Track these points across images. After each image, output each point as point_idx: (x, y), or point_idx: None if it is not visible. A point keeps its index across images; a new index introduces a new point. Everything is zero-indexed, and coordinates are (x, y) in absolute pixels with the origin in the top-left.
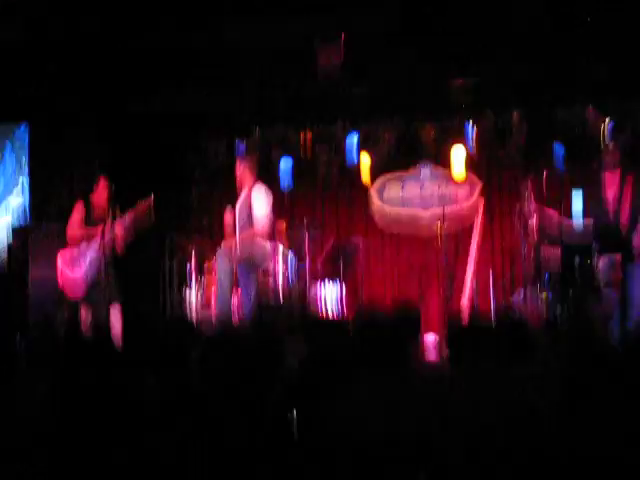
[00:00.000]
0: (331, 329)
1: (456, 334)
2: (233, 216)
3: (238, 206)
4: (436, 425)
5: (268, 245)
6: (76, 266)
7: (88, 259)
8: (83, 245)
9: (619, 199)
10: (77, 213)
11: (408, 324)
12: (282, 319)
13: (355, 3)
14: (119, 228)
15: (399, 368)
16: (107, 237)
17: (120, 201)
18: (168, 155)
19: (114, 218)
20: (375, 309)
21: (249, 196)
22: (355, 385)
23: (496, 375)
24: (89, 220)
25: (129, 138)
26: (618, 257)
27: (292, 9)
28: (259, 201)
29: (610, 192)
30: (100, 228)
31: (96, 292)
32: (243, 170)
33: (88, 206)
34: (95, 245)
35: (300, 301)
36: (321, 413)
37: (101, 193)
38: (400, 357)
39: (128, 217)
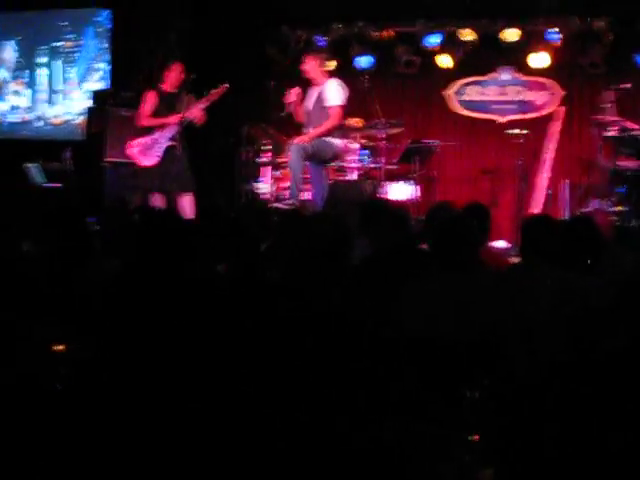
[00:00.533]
0: (402, 221)
1: (528, 224)
2: (304, 110)
3: (311, 100)
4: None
5: (339, 142)
6: (150, 155)
7: (162, 148)
8: (157, 133)
9: None
10: (148, 102)
11: (479, 223)
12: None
13: None
14: (194, 112)
15: (468, 268)
16: (181, 125)
17: (196, 90)
18: (248, 46)
19: (188, 104)
20: (448, 209)
21: (323, 91)
22: (425, 282)
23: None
24: (163, 108)
25: (210, 26)
26: None
27: None
28: (332, 92)
29: None
30: (173, 116)
31: (170, 181)
32: (312, 66)
33: (162, 94)
34: (169, 134)
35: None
36: (389, 308)
37: (175, 79)
38: (469, 257)
39: (202, 103)
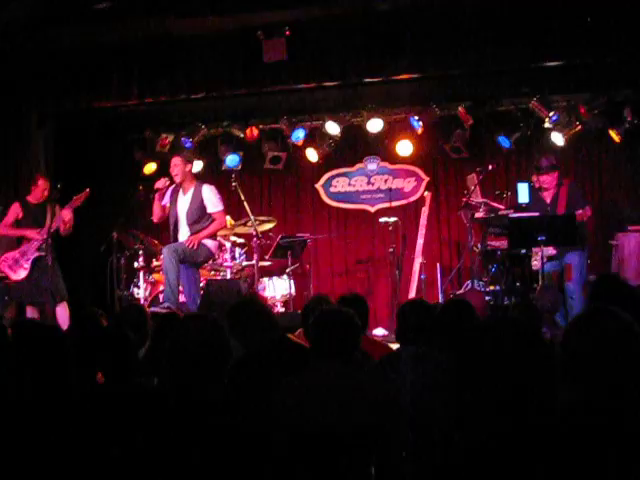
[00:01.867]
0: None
1: (403, 309)
2: (175, 214)
3: (184, 204)
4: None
5: (212, 242)
6: (18, 268)
7: (30, 260)
8: (24, 246)
9: (555, 198)
10: (11, 213)
11: (356, 312)
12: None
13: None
14: (58, 220)
15: (349, 358)
16: (48, 234)
17: (64, 198)
18: (115, 151)
19: (53, 214)
20: (324, 301)
21: (199, 197)
22: (304, 374)
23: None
24: (28, 220)
25: (75, 132)
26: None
27: (239, 5)
28: (212, 199)
29: (547, 193)
30: (33, 230)
31: (41, 292)
32: (179, 168)
33: (27, 206)
34: (35, 245)
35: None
36: (268, 399)
37: (40, 193)
38: (350, 347)
39: (66, 210)
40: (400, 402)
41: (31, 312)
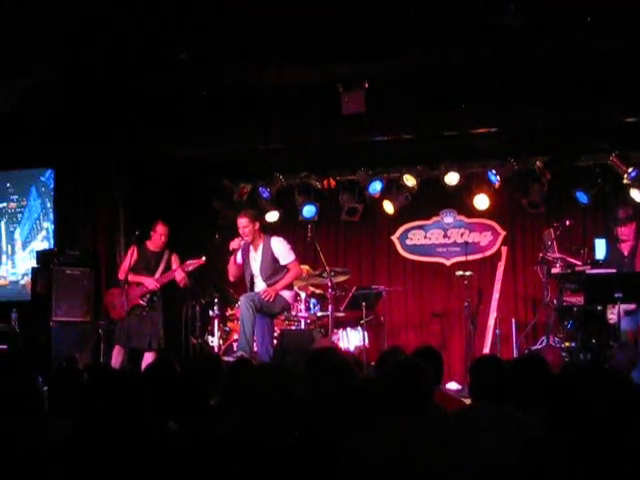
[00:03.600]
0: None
1: (476, 365)
2: (250, 271)
3: (257, 260)
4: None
5: (288, 293)
6: (121, 309)
7: (135, 303)
8: (134, 290)
9: (634, 250)
10: (128, 257)
11: (431, 366)
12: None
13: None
14: (171, 276)
15: (422, 411)
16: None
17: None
18: (193, 200)
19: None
20: (398, 353)
21: (270, 251)
22: (373, 428)
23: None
24: (142, 265)
25: (154, 184)
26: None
27: (318, 57)
28: (283, 251)
29: (625, 245)
30: (150, 279)
31: (138, 337)
32: (246, 226)
33: (143, 251)
34: (145, 290)
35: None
36: (337, 449)
37: (157, 239)
38: (423, 401)
39: (179, 271)
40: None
41: (119, 354)
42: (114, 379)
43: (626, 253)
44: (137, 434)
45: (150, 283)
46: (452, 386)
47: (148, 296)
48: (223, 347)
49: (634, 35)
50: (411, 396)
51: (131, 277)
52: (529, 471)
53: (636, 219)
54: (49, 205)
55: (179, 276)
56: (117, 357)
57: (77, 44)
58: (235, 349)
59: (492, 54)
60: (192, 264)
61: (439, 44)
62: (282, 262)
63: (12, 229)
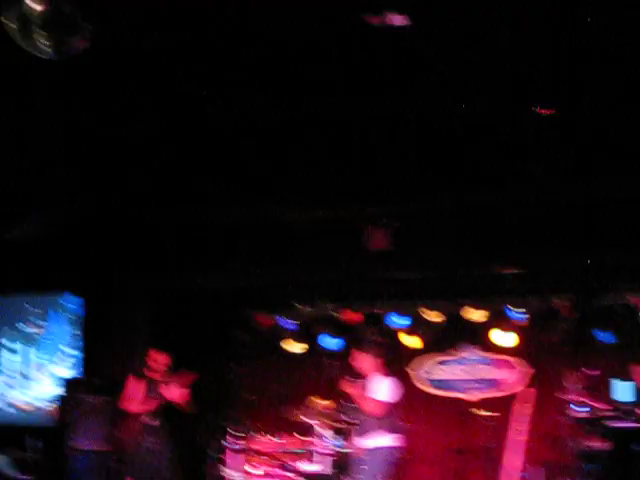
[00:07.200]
0: None
1: None
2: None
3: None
4: None
5: None
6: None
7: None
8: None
9: None
10: (131, 387)
11: None
12: None
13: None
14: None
15: None
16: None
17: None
18: (213, 329)
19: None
20: None
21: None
22: None
23: None
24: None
25: (172, 310)
26: None
27: (342, 197)
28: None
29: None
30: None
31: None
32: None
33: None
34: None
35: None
36: None
37: (156, 367)
38: None
39: (173, 383)
40: None
41: None
42: None
43: None
44: None
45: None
46: None
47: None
48: None
49: None
50: None
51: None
52: None
53: None
54: (77, 332)
55: (170, 392)
56: None
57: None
58: None
59: (516, 197)
60: (186, 377)
61: (463, 187)
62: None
63: (38, 353)
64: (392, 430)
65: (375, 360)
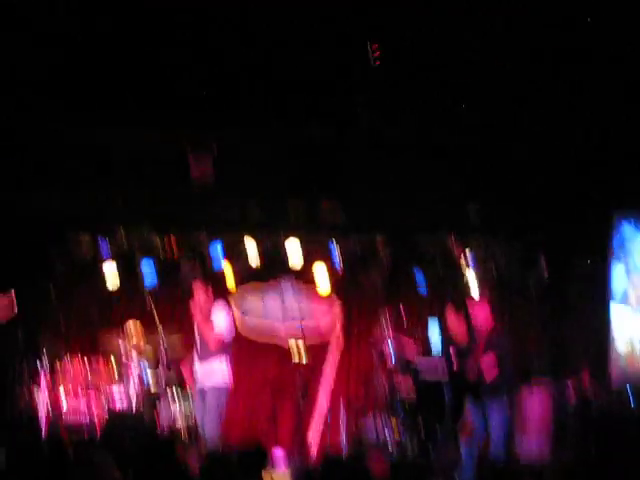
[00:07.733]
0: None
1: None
2: None
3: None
4: None
5: None
6: None
7: None
8: None
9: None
10: None
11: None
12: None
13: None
14: None
15: None
16: None
17: None
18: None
19: None
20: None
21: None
22: None
23: None
24: None
25: None
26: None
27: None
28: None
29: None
30: None
31: None
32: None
33: None
34: None
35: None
36: None
37: None
38: None
39: None
40: None
41: None
42: None
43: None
44: None
45: None
46: (279, 453)
47: None
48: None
49: None
50: None
51: None
52: None
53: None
54: None
55: None
56: None
57: None
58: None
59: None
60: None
61: (292, 121)
62: None
63: None
64: (226, 365)
65: (204, 291)
